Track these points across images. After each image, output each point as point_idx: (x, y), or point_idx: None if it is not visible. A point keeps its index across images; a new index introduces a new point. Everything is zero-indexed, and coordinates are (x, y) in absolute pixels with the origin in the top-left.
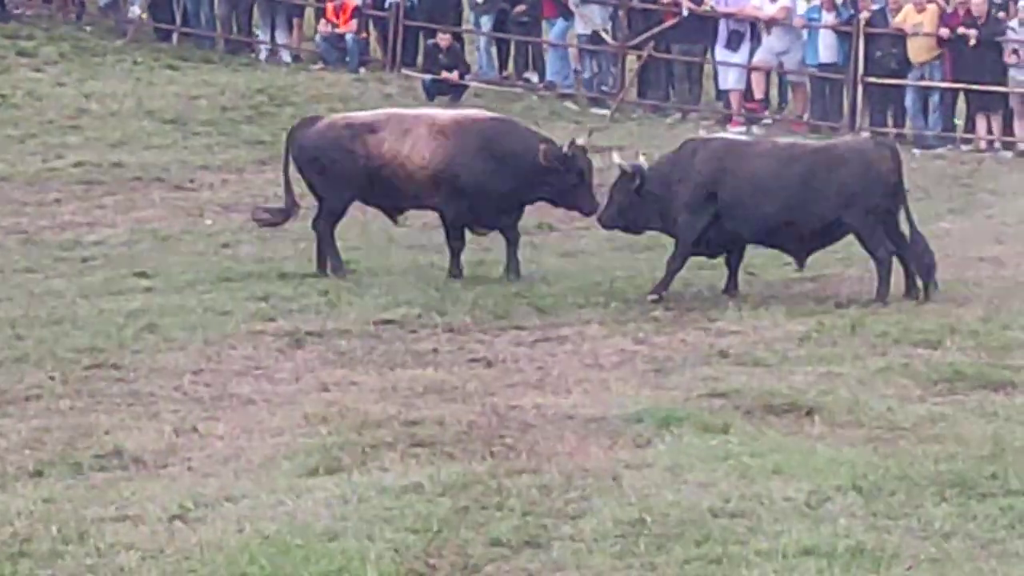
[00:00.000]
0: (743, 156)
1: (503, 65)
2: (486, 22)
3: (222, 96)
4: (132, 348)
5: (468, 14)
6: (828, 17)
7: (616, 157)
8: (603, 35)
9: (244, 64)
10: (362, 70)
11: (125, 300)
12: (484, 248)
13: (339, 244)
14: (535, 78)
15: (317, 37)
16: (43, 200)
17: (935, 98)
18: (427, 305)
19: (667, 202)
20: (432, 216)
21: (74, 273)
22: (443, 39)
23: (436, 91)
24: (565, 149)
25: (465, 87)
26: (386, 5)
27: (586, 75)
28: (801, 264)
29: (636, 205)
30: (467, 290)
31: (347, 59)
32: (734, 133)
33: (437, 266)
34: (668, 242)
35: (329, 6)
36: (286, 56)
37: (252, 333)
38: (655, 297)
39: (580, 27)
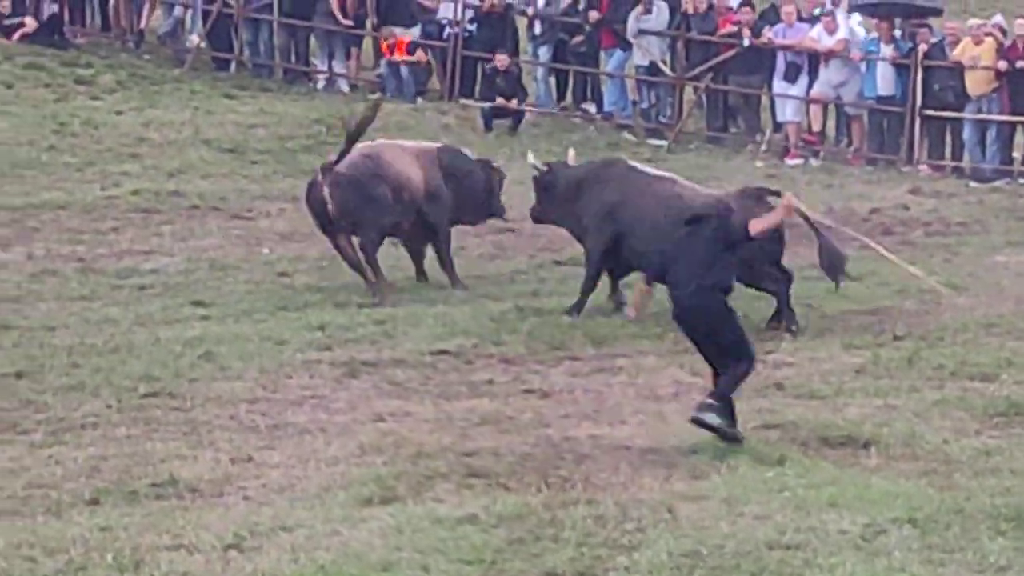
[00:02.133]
0: (638, 190)
1: (561, 95)
2: (544, 52)
3: (280, 125)
4: (188, 377)
5: (525, 44)
6: (886, 50)
7: (530, 157)
8: (661, 66)
9: (302, 93)
10: (420, 100)
11: (182, 329)
12: (539, 279)
13: (396, 272)
14: (593, 109)
15: (382, 65)
16: (100, 228)
17: (992, 131)
18: (483, 336)
19: (575, 208)
20: (489, 247)
21: (131, 301)
22: (501, 60)
23: (494, 119)
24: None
25: (523, 115)
26: (444, 35)
27: (644, 106)
28: None
29: (549, 202)
30: (523, 321)
31: (405, 89)
32: (642, 166)
33: (492, 296)
34: None
35: (383, 45)
36: (344, 85)
37: (308, 362)
38: (569, 318)
39: (638, 58)
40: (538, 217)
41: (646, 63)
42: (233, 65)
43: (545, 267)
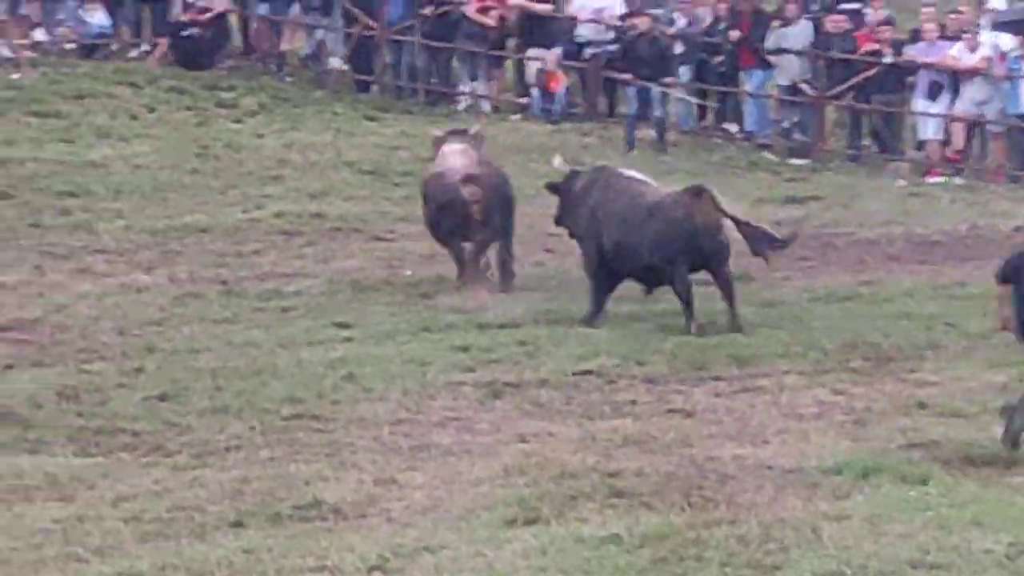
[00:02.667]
0: (615, 193)
1: (702, 115)
2: (685, 72)
3: (422, 147)
4: (332, 398)
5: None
6: None
7: (556, 160)
8: (802, 85)
9: (444, 115)
10: (560, 122)
11: (325, 350)
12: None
13: (539, 294)
14: (734, 128)
15: (533, 90)
16: (243, 251)
17: None
18: (625, 356)
19: (576, 214)
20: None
21: (274, 323)
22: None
23: (636, 140)
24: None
25: (664, 136)
26: (586, 55)
27: (785, 125)
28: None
29: (563, 208)
30: (666, 340)
31: (553, 109)
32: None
33: (635, 316)
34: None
35: (548, 79)
36: (486, 107)
37: (451, 384)
38: (583, 326)
39: (779, 78)
40: (557, 222)
41: (787, 82)
42: (375, 87)
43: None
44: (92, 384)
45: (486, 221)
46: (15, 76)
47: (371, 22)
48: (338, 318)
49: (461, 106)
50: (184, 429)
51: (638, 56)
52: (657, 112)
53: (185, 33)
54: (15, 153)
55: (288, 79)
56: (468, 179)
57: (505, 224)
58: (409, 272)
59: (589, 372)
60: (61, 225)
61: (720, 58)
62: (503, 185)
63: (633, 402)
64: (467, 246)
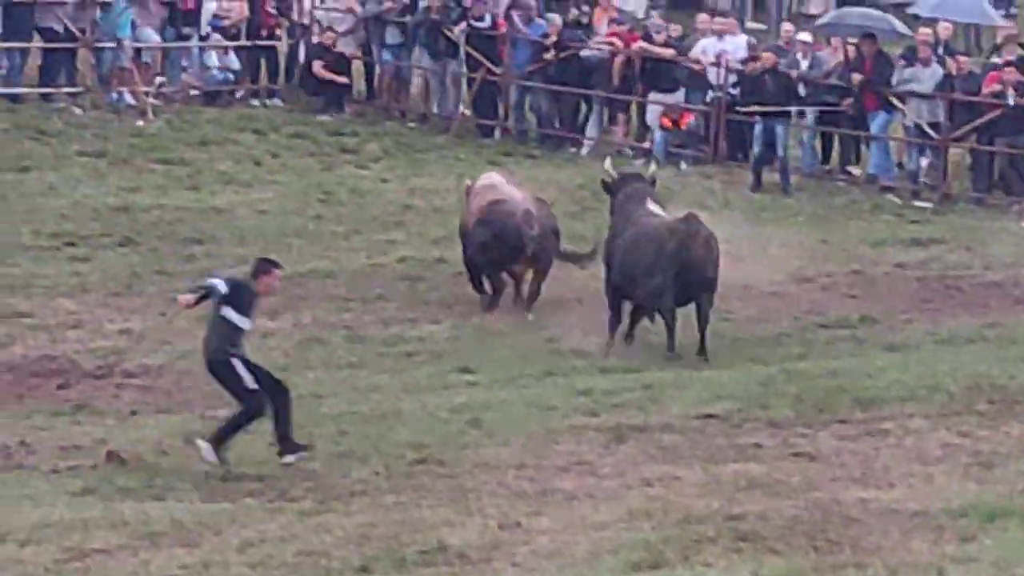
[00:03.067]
0: (629, 218)
1: (826, 158)
2: (809, 114)
3: (544, 191)
4: (456, 443)
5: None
6: None
7: (607, 162)
8: (926, 128)
9: (567, 159)
10: (684, 164)
11: (449, 395)
12: (805, 342)
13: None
14: (857, 171)
15: (655, 131)
16: (367, 296)
17: None
18: (749, 399)
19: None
20: (754, 310)
21: (398, 368)
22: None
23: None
24: None
25: (788, 178)
26: (707, 99)
27: (910, 167)
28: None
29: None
30: (789, 384)
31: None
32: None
33: (759, 360)
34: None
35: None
36: (622, 150)
37: (575, 428)
38: (605, 354)
39: (903, 120)
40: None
41: (911, 125)
42: (497, 131)
43: (810, 330)
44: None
45: (538, 257)
46: (139, 123)
47: (494, 67)
48: (462, 363)
49: (584, 150)
50: (309, 474)
51: (763, 92)
52: (780, 152)
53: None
54: (140, 200)
55: (411, 124)
56: (528, 215)
57: (548, 261)
58: (531, 316)
59: (713, 416)
60: (186, 272)
61: (849, 100)
62: (555, 225)
63: (757, 445)
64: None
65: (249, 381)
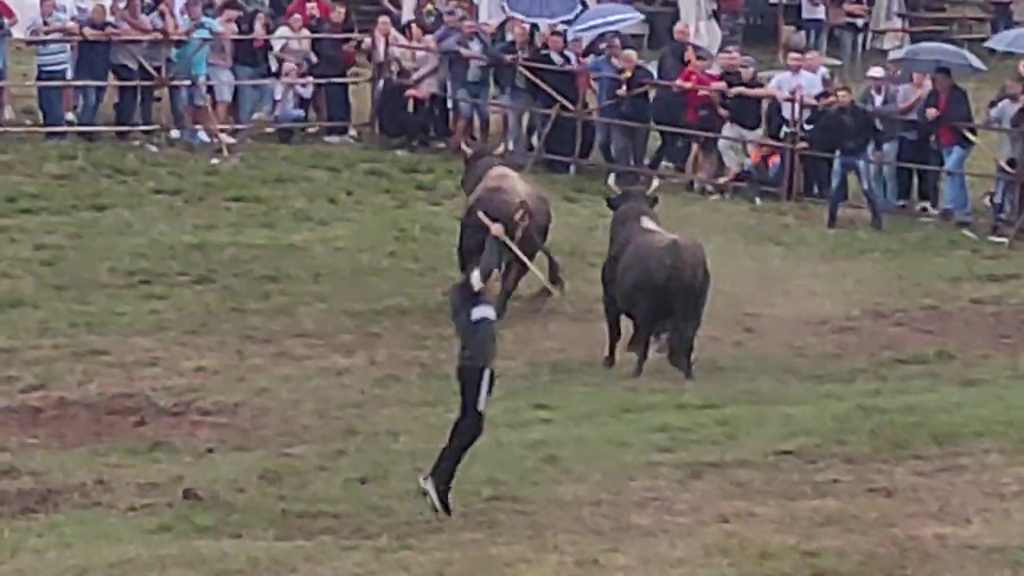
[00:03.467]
0: (625, 235)
1: (903, 193)
2: (888, 149)
3: None
4: (531, 480)
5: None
6: None
7: (611, 180)
8: (1001, 163)
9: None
10: (758, 200)
11: (525, 432)
12: (881, 378)
13: (739, 374)
14: (932, 207)
15: (747, 163)
16: (443, 333)
17: None
18: (826, 435)
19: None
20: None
21: None
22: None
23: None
24: None
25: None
26: (780, 134)
27: (988, 202)
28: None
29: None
30: (865, 420)
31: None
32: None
33: (834, 396)
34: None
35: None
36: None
37: (650, 464)
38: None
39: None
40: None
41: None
42: (572, 167)
43: (887, 365)
44: (293, 467)
45: (523, 248)
46: (214, 161)
47: (569, 103)
48: (538, 400)
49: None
50: (385, 511)
51: (839, 129)
52: (866, 187)
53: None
54: (216, 238)
55: None
56: (523, 205)
57: (533, 252)
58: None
59: (789, 452)
60: (261, 309)
61: (931, 136)
62: (547, 220)
63: (834, 481)
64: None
65: (481, 402)
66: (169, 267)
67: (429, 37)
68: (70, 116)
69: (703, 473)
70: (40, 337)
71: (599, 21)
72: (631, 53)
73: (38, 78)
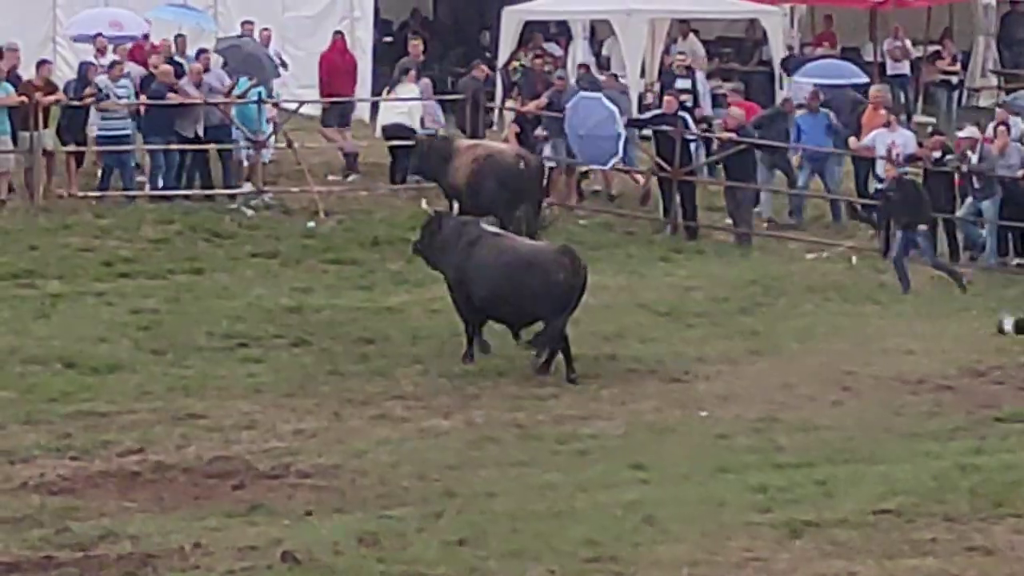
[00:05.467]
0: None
1: (1004, 250)
2: (988, 207)
3: (716, 287)
4: (630, 541)
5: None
6: None
7: (424, 204)
8: None
9: (737, 255)
10: (854, 259)
11: (622, 492)
12: (980, 436)
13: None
14: None
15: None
16: (539, 394)
17: None
18: (924, 494)
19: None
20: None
21: (571, 466)
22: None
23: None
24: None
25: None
26: (871, 191)
27: None
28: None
29: (431, 246)
30: (965, 478)
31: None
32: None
33: (933, 454)
34: None
35: None
36: (791, 246)
37: (748, 524)
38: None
39: None
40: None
41: None
42: (668, 228)
43: (985, 423)
44: (392, 529)
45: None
46: (311, 224)
47: (666, 164)
48: (635, 460)
49: (753, 243)
50: (484, 573)
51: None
52: (927, 259)
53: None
54: (312, 301)
55: (582, 223)
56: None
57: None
58: (704, 413)
59: (888, 511)
60: (359, 371)
61: None
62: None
63: (933, 540)
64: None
65: None
66: (266, 330)
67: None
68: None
69: (801, 532)
70: (138, 401)
71: (826, 81)
72: (739, 112)
73: (99, 143)
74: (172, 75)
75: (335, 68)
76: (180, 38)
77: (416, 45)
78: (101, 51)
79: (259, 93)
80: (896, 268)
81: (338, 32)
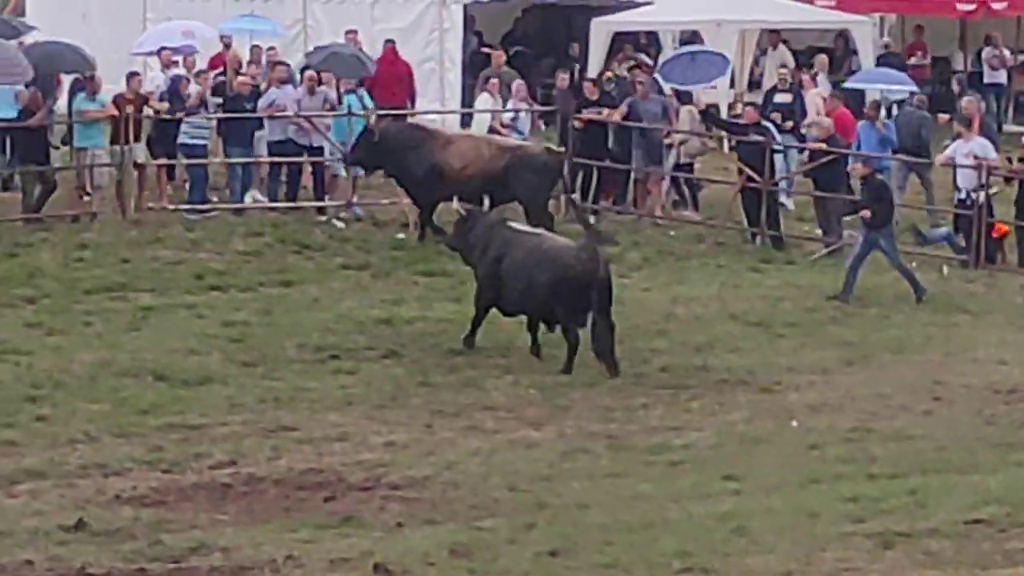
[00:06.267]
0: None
1: None
2: None
3: (807, 298)
4: (722, 551)
5: None
6: None
7: (455, 204)
8: None
9: (830, 265)
10: (945, 269)
11: (714, 503)
12: None
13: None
14: None
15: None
16: (631, 405)
17: None
18: (1017, 503)
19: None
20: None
21: (662, 477)
22: None
23: None
24: None
25: None
26: (967, 201)
27: None
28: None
29: (464, 243)
30: None
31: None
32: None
33: None
34: None
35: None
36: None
37: (841, 535)
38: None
39: None
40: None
41: None
42: (759, 238)
43: None
44: (483, 541)
45: None
46: (401, 236)
47: (756, 174)
48: (727, 471)
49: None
50: None
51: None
52: (893, 261)
53: None
54: (403, 312)
55: (672, 233)
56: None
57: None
58: (795, 423)
59: (980, 521)
60: (450, 383)
61: None
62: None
63: None
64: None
65: None
66: (357, 342)
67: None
68: (256, 195)
69: (894, 543)
70: (229, 414)
71: (880, 85)
72: (827, 122)
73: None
74: (250, 86)
75: (380, 77)
76: (256, 48)
77: (499, 56)
78: (189, 67)
79: (350, 104)
80: (848, 273)
81: (389, 40)
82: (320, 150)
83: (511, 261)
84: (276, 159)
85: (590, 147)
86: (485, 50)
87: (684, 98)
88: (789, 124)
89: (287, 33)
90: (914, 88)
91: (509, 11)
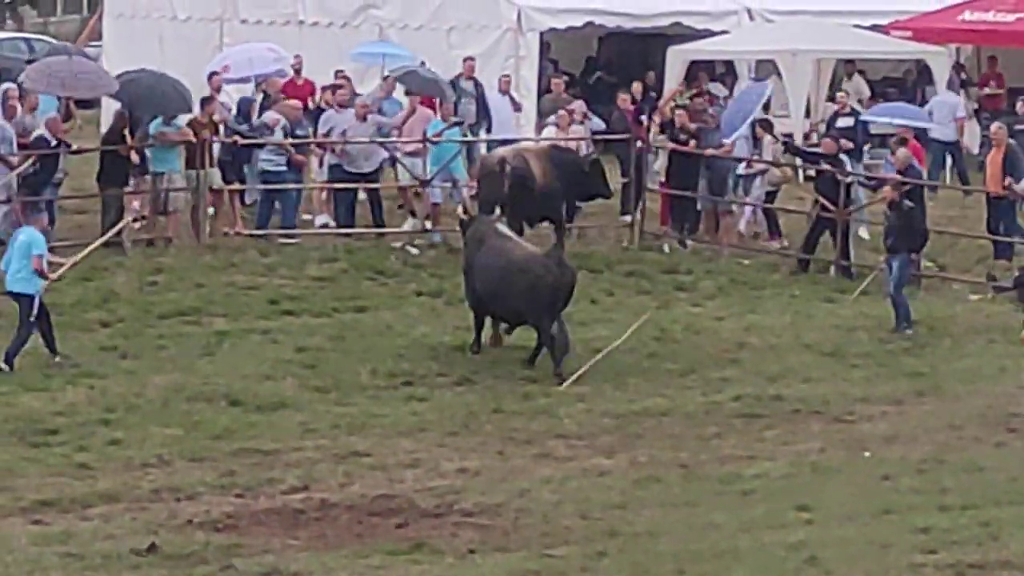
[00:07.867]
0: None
1: None
2: None
3: (880, 328)
4: None
5: None
6: None
7: (460, 210)
8: None
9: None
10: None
11: (786, 533)
12: None
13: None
14: None
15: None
16: (703, 434)
17: None
18: None
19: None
20: None
21: (735, 506)
22: None
23: None
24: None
25: None
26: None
27: None
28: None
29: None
30: None
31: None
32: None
33: None
34: None
35: None
36: (955, 287)
37: (913, 566)
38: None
39: None
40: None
41: None
42: (833, 268)
43: None
44: (555, 568)
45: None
46: None
47: (831, 204)
48: (799, 500)
49: (921, 285)
50: None
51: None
52: (889, 288)
53: None
54: None
55: (745, 262)
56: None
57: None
58: (868, 453)
59: None
60: (523, 410)
61: None
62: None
63: None
64: None
65: None
66: (430, 368)
67: None
68: (326, 219)
69: (966, 575)
70: (302, 439)
71: (899, 120)
72: (905, 153)
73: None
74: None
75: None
76: (388, 79)
77: (558, 83)
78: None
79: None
80: (892, 303)
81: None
82: (375, 175)
83: (481, 264)
84: (341, 185)
85: (682, 176)
86: (555, 81)
87: (764, 126)
88: (850, 145)
89: (414, 58)
90: (927, 123)
91: (585, 39)
